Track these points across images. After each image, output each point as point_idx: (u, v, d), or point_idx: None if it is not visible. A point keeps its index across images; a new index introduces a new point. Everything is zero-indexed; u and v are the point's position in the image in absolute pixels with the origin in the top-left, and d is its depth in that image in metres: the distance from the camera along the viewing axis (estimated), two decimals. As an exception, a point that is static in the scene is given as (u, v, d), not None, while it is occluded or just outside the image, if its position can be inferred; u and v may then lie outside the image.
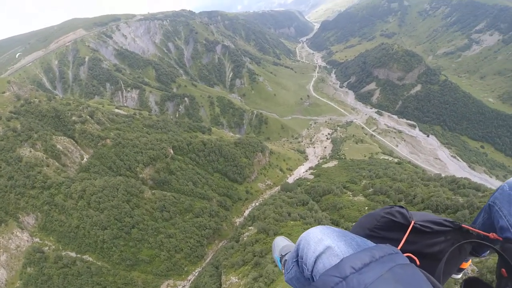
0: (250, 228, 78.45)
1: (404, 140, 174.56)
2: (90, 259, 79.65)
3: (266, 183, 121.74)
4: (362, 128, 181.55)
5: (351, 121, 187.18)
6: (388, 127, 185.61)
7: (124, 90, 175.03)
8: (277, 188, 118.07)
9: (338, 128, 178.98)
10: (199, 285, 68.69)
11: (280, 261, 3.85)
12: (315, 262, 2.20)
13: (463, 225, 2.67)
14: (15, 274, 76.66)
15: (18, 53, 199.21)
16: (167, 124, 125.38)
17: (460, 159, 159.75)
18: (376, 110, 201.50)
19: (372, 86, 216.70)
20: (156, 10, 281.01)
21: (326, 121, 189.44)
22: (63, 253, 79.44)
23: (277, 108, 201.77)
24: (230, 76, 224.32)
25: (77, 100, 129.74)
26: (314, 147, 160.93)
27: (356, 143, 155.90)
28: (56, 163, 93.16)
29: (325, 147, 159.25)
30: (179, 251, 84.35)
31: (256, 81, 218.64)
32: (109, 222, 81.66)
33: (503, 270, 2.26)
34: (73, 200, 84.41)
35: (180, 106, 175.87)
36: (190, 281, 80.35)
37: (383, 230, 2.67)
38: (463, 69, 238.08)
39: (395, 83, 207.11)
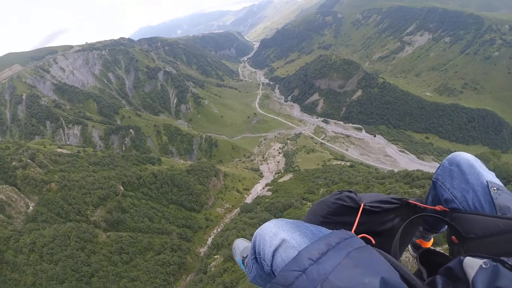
0: (216, 257, 77.47)
1: (353, 144, 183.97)
2: None
3: (225, 207, 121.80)
4: (312, 138, 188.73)
5: (300, 133, 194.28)
6: (336, 133, 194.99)
7: (66, 127, 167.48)
8: (236, 210, 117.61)
9: (288, 141, 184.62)
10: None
11: (243, 263, 3.88)
12: (273, 256, 2.18)
13: (410, 201, 2.84)
14: None
15: None
16: (114, 159, 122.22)
17: (408, 153, 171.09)
18: (323, 119, 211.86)
19: (316, 96, 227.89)
20: (95, 40, 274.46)
21: (275, 136, 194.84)
22: None
23: (226, 129, 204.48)
24: (174, 102, 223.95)
25: (16, 142, 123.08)
26: (268, 163, 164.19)
27: (308, 153, 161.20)
28: (1, 215, 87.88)
29: (278, 162, 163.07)
30: None
31: (201, 104, 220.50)
32: (66, 274, 77.00)
33: (453, 237, 2.53)
34: (24, 255, 79.26)
35: (126, 138, 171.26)
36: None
37: (335, 215, 2.77)
38: (398, 69, 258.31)
39: (337, 91, 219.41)
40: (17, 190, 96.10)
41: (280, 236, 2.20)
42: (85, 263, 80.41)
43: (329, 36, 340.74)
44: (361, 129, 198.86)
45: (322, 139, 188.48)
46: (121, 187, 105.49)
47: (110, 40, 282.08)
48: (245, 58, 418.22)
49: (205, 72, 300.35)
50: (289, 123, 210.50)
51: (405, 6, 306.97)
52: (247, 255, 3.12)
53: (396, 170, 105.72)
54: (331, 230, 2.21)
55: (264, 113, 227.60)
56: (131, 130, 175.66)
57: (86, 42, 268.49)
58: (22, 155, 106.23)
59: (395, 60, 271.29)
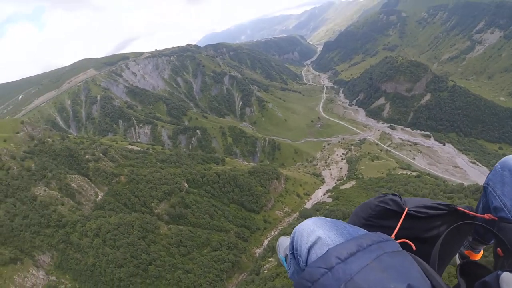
0: (270, 259, 76.46)
1: (421, 152, 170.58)
2: None
3: (284, 211, 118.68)
4: (377, 144, 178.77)
5: (365, 139, 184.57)
6: (403, 140, 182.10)
7: (137, 126, 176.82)
8: (295, 214, 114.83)
9: (352, 147, 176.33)
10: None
11: (285, 260, 3.68)
12: (308, 253, 2.23)
13: (458, 207, 2.65)
14: None
15: (21, 96, 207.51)
16: (180, 157, 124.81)
17: (480, 164, 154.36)
18: (389, 124, 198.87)
19: (382, 101, 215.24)
20: (163, 47, 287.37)
21: (339, 141, 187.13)
22: None
23: (289, 133, 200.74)
24: (239, 105, 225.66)
25: (90, 138, 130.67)
26: (330, 169, 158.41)
27: (372, 160, 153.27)
28: (71, 202, 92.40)
29: (341, 168, 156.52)
30: (198, 287, 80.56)
31: (265, 108, 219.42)
32: (125, 260, 79.57)
33: (499, 249, 2.29)
34: (89, 238, 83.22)
35: (193, 138, 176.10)
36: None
37: (378, 218, 2.69)
38: (469, 71, 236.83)
39: (404, 95, 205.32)
40: (88, 180, 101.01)
41: (317, 234, 2.27)
42: (145, 252, 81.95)
43: (394, 37, 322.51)
44: (430, 137, 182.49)
45: (388, 146, 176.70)
46: (186, 184, 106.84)
47: (178, 46, 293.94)
48: (308, 62, 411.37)
49: (269, 76, 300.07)
50: (353, 128, 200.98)
51: (472, 1, 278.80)
52: (289, 261, 3.03)
53: (466, 184, 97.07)
54: (367, 232, 2.24)
55: (328, 117, 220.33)
56: (197, 131, 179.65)
57: (156, 49, 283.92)
58: (95, 150, 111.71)
59: (465, 61, 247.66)
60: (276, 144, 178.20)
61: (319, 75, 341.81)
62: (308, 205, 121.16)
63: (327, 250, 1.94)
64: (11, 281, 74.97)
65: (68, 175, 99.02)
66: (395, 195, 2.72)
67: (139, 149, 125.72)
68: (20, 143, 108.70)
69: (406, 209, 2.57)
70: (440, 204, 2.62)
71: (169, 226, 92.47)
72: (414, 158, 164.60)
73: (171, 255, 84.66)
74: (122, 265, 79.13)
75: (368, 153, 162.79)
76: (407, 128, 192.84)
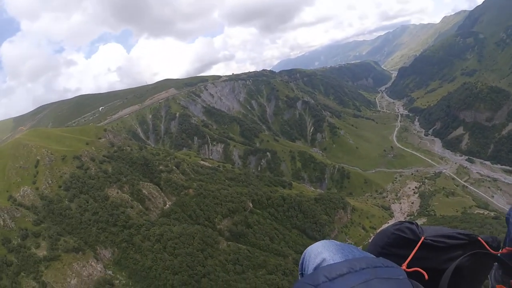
0: None
1: (501, 189, 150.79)
2: None
3: (347, 242, 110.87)
4: (453, 179, 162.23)
5: (440, 172, 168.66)
6: (482, 175, 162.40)
7: (210, 144, 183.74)
8: (359, 247, 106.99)
9: (426, 180, 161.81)
10: None
11: None
12: None
13: (479, 238, 2.55)
14: None
15: (101, 107, 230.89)
16: (248, 177, 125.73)
17: None
18: (467, 157, 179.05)
19: (460, 131, 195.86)
20: (240, 71, 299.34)
21: (412, 174, 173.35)
22: None
23: (360, 162, 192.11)
24: (311, 130, 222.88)
25: (166, 150, 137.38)
26: (400, 203, 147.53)
27: (447, 196, 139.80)
28: (140, 206, 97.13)
29: (412, 203, 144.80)
30: None
31: (337, 134, 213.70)
32: (181, 268, 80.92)
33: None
34: (150, 242, 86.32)
35: (262, 160, 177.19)
36: None
37: (394, 246, 2.66)
38: None
39: (484, 125, 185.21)
40: (159, 189, 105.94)
41: (323, 256, 2.34)
42: (201, 264, 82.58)
43: (472, 61, 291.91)
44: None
45: (465, 181, 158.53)
46: (251, 204, 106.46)
47: (254, 71, 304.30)
48: (382, 88, 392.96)
49: (342, 103, 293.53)
50: (428, 160, 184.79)
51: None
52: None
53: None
54: (367, 255, 2.30)
55: (402, 147, 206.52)
56: (268, 153, 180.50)
57: (233, 73, 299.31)
58: (169, 162, 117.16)
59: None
60: (345, 172, 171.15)
61: (393, 102, 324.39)
62: None
63: (319, 268, 2.05)
64: (69, 268, 79.31)
65: (141, 182, 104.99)
66: (411, 223, 2.67)
67: (210, 165, 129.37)
68: (101, 147, 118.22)
69: (423, 238, 2.54)
70: (459, 233, 2.56)
71: (228, 243, 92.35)
72: (493, 196, 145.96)
73: (226, 271, 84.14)
74: (177, 272, 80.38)
75: (443, 188, 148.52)
76: (486, 162, 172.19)
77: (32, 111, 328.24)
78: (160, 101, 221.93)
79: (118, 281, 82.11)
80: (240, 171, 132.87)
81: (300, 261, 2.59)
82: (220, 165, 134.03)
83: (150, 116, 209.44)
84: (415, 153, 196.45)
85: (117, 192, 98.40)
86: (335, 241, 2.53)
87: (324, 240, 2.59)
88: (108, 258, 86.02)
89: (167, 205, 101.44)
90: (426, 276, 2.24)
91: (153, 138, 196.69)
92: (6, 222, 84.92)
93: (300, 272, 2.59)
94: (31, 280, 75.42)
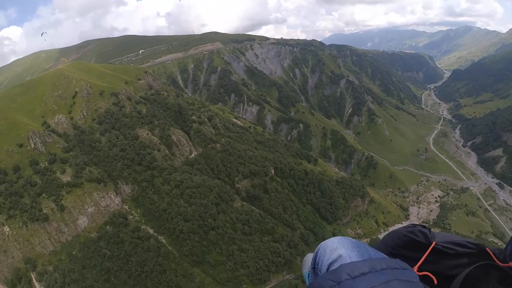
0: None
1: None
2: (164, 241, 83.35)
3: (356, 232, 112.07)
4: (478, 198, 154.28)
5: (467, 188, 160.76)
6: (507, 204, 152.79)
7: (246, 104, 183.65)
8: (366, 240, 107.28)
9: (451, 192, 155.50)
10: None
11: (309, 277, 3.53)
12: (328, 269, 2.37)
13: (487, 249, 2.60)
14: (95, 226, 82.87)
15: (142, 50, 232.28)
16: (276, 144, 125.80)
17: None
18: (498, 181, 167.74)
19: (499, 152, 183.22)
20: (289, 37, 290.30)
21: (439, 181, 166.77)
22: (143, 227, 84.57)
23: (390, 155, 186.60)
24: (349, 112, 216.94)
25: (201, 102, 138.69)
26: (419, 207, 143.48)
27: (467, 215, 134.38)
28: (166, 151, 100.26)
29: (431, 210, 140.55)
30: (245, 268, 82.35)
31: (374, 122, 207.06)
32: (193, 217, 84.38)
33: None
34: (170, 186, 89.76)
35: (294, 130, 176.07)
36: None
37: (404, 248, 2.71)
38: None
39: None
40: (187, 138, 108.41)
41: (339, 252, 2.39)
42: (212, 217, 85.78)
43: None
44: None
45: (489, 205, 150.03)
46: (273, 171, 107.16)
47: (303, 40, 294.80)
48: (431, 86, 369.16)
49: (387, 90, 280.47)
50: (459, 172, 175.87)
51: None
52: (310, 275, 3.13)
53: None
54: (386, 256, 2.35)
55: (436, 152, 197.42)
56: (301, 124, 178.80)
57: (281, 38, 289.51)
58: (203, 114, 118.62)
59: None
60: (373, 162, 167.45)
61: (439, 103, 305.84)
62: (382, 236, 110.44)
63: (340, 265, 2.07)
64: (89, 196, 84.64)
65: (171, 128, 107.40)
66: (424, 227, 2.70)
67: (241, 124, 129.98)
68: (139, 88, 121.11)
69: (434, 243, 2.58)
70: (469, 242, 2.59)
71: (243, 203, 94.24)
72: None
73: (234, 230, 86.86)
74: (189, 220, 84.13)
75: (465, 205, 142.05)
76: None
77: (77, 44, 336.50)
78: (204, 52, 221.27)
79: (132, 217, 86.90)
80: (270, 137, 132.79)
81: (313, 255, 2.63)
82: (251, 126, 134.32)
83: (192, 66, 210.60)
84: (447, 161, 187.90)
85: (147, 134, 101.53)
86: (350, 238, 2.56)
87: (340, 236, 2.61)
88: (127, 193, 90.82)
89: (193, 155, 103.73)
90: (435, 281, 2.32)
91: (191, 88, 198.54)
92: (37, 146, 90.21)
93: (312, 266, 2.63)
94: (51, 202, 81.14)
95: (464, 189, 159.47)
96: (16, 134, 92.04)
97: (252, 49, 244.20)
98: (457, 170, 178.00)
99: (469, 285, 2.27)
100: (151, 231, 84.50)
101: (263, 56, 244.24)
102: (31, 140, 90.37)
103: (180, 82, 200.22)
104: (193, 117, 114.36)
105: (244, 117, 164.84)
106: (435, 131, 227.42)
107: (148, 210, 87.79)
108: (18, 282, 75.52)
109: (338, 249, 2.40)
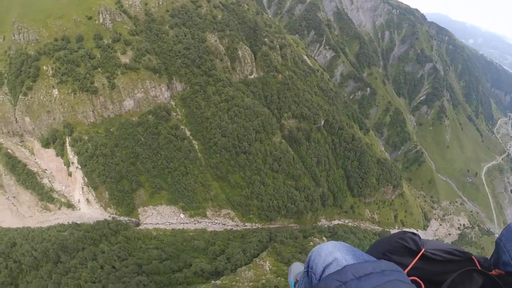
0: (324, 239, 77.12)
1: None
2: (196, 147, 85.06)
3: (372, 216, 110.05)
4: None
5: (492, 233, 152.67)
6: None
7: (323, 46, 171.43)
8: (375, 228, 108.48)
9: (477, 228, 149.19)
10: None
11: (294, 286, 3.81)
12: (323, 271, 2.43)
13: (473, 257, 2.72)
14: (138, 112, 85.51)
15: None
16: (337, 98, 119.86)
17: None
18: None
19: None
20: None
21: (471, 211, 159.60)
22: (182, 127, 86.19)
23: (440, 161, 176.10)
24: (420, 98, 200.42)
25: (279, 27, 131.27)
26: (441, 224, 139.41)
27: None
28: (228, 63, 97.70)
29: (450, 234, 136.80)
30: (259, 200, 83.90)
31: (441, 121, 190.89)
32: (231, 135, 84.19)
33: None
34: (220, 98, 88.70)
35: (359, 92, 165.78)
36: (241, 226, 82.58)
37: (395, 254, 2.78)
38: None
39: None
40: (253, 57, 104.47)
41: (334, 255, 2.48)
42: (247, 141, 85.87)
43: None
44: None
45: None
46: (322, 122, 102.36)
47: (406, 5, 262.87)
48: None
49: (467, 96, 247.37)
50: (493, 214, 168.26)
51: None
52: (301, 279, 3.21)
53: None
54: (382, 260, 2.43)
55: (484, 182, 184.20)
56: (368, 89, 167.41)
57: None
58: (276, 39, 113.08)
59: None
60: (420, 159, 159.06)
61: (511, 137, 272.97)
62: (392, 232, 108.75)
63: (345, 266, 2.17)
64: (142, 82, 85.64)
65: (240, 42, 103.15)
66: (414, 234, 2.79)
67: (310, 64, 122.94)
68: None
69: (423, 249, 2.67)
70: (456, 250, 2.70)
71: (282, 140, 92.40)
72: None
73: (263, 161, 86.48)
74: (226, 136, 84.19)
75: (482, 248, 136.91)
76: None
77: None
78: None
79: (175, 114, 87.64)
80: (333, 88, 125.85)
81: (307, 259, 2.67)
82: (319, 70, 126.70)
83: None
84: (489, 197, 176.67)
85: (215, 40, 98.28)
86: (344, 243, 2.65)
87: (333, 241, 2.67)
88: (178, 91, 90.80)
89: (252, 76, 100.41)
90: (423, 286, 2.45)
91: (273, 10, 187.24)
92: (105, 22, 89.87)
93: (305, 270, 2.68)
94: (104, 78, 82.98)
95: (489, 233, 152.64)
96: (88, 7, 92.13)
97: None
98: (493, 211, 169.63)
99: None
100: (188, 133, 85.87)
101: (358, 4, 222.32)
102: (100, 15, 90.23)
103: (265, 0, 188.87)
104: (266, 39, 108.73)
105: (315, 58, 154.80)
106: (493, 162, 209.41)
107: (191, 113, 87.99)
108: (52, 142, 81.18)
109: (333, 252, 2.49)
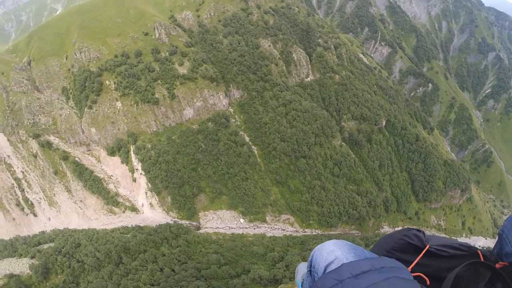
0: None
1: None
2: (255, 152, 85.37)
3: (438, 223, 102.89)
4: None
5: None
6: None
7: (378, 42, 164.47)
8: (442, 235, 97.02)
9: None
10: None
11: (302, 285, 3.67)
12: (324, 270, 2.43)
13: (479, 251, 2.69)
14: (198, 119, 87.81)
15: None
16: (397, 96, 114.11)
17: None
18: None
19: None
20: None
21: None
22: (241, 133, 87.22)
23: (510, 160, 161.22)
24: (486, 91, 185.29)
25: (331, 27, 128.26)
26: None
27: None
28: (284, 67, 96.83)
29: None
30: (319, 205, 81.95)
31: (510, 115, 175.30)
32: (290, 139, 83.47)
33: None
34: (277, 103, 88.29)
35: (420, 88, 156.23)
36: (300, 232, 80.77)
37: (399, 251, 2.76)
38: None
39: None
40: (308, 60, 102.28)
41: (336, 254, 2.47)
42: (308, 146, 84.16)
43: None
44: None
45: None
46: (384, 122, 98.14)
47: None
48: None
49: None
50: None
51: None
52: (305, 279, 3.20)
53: None
54: (382, 256, 2.40)
55: None
56: (430, 84, 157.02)
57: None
58: (330, 39, 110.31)
59: None
60: (489, 159, 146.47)
61: None
62: (460, 240, 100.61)
63: (341, 265, 2.15)
64: (200, 91, 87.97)
65: (294, 45, 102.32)
66: (419, 230, 2.75)
67: (367, 63, 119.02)
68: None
69: (428, 246, 2.63)
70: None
71: (342, 143, 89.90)
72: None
73: (324, 166, 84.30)
74: (285, 141, 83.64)
75: None
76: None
77: None
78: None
79: (234, 121, 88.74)
80: (393, 86, 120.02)
81: (309, 258, 2.67)
82: (377, 68, 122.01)
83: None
84: None
85: (269, 46, 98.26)
86: (345, 241, 2.62)
87: (335, 239, 2.64)
88: (235, 98, 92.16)
89: (309, 79, 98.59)
90: (428, 282, 2.44)
91: (324, 10, 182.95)
92: (161, 36, 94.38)
93: (308, 269, 2.69)
94: (165, 89, 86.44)
95: None
96: (143, 23, 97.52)
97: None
98: None
99: (460, 286, 2.34)
100: (247, 139, 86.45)
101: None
102: (156, 31, 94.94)
103: (314, 1, 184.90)
104: (319, 40, 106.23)
105: (372, 55, 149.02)
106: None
107: (250, 119, 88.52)
108: (117, 150, 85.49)
109: (334, 251, 2.48)
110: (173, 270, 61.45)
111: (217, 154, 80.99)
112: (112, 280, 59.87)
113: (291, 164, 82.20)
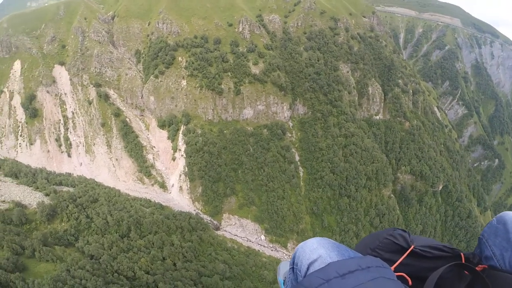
0: None
1: None
2: (301, 174, 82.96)
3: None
4: None
5: None
6: None
7: (456, 100, 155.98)
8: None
9: None
10: None
11: (284, 283, 3.64)
12: (307, 268, 2.36)
13: (462, 253, 2.70)
14: (255, 123, 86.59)
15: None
16: (461, 163, 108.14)
17: None
18: None
19: None
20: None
21: None
22: (293, 150, 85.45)
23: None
24: None
25: (413, 71, 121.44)
26: None
27: None
28: (356, 98, 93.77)
29: None
30: (342, 227, 78.70)
31: None
32: (340, 174, 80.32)
33: None
34: (339, 131, 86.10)
35: (485, 161, 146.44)
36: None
37: (384, 251, 2.76)
38: None
39: None
40: (382, 96, 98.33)
41: (319, 252, 2.42)
42: (356, 187, 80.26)
43: None
44: None
45: None
46: (440, 187, 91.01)
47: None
48: None
49: None
50: None
51: None
52: (288, 276, 3.13)
53: None
54: (367, 255, 2.40)
55: None
56: (497, 160, 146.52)
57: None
58: (410, 83, 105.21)
59: None
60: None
61: None
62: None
63: (329, 264, 2.13)
64: (265, 95, 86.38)
65: (373, 79, 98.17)
66: (404, 231, 2.78)
67: (439, 118, 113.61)
68: (360, 25, 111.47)
69: (412, 246, 2.65)
70: (445, 246, 2.67)
71: (392, 195, 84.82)
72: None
73: (365, 212, 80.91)
74: (334, 173, 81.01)
75: None
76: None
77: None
78: (439, 23, 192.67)
79: (290, 135, 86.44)
80: (459, 150, 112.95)
81: (292, 256, 2.62)
82: (448, 126, 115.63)
83: (420, 31, 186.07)
84: None
85: (348, 71, 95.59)
86: (329, 239, 2.59)
87: (318, 237, 2.60)
88: (299, 114, 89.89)
89: (378, 117, 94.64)
90: (410, 282, 2.45)
91: (408, 52, 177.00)
92: (244, 31, 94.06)
93: (291, 267, 2.63)
94: (232, 82, 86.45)
95: None
96: (230, 14, 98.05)
97: (491, 46, 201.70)
98: None
99: (442, 286, 2.34)
100: (297, 158, 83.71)
101: (499, 60, 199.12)
102: (241, 24, 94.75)
103: (401, 40, 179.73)
104: (399, 81, 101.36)
105: (446, 112, 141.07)
106: None
107: (306, 139, 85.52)
108: (168, 125, 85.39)
109: (317, 249, 2.42)
110: (174, 264, 58.02)
111: (262, 163, 78.25)
112: (110, 251, 55.99)
113: (333, 199, 78.42)
